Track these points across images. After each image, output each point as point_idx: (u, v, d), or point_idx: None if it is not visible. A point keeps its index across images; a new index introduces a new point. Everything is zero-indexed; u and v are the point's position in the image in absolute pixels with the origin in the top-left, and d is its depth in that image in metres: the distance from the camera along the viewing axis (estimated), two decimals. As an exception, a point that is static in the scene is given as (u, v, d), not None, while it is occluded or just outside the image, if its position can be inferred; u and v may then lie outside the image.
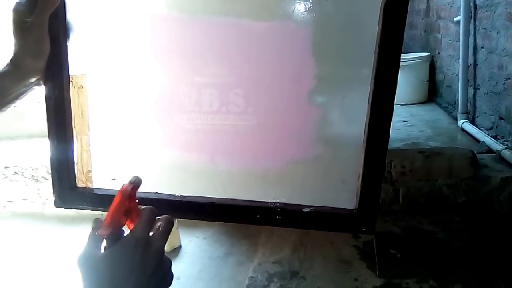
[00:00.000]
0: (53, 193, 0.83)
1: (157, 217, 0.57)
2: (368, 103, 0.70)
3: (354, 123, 0.74)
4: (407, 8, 0.67)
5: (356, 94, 0.74)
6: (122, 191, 0.56)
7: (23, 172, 2.82)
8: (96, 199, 0.82)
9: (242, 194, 0.78)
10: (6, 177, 2.84)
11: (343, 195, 0.76)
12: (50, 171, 0.83)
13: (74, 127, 0.81)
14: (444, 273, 1.95)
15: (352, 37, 0.73)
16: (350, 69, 0.75)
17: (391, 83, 0.69)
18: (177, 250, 2.36)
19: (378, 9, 0.67)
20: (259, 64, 0.76)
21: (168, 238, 0.56)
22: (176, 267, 2.21)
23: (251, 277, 2.07)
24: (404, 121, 3.49)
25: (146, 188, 0.80)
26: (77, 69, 0.80)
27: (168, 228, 0.56)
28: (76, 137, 0.82)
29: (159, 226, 0.56)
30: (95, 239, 0.55)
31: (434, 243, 2.18)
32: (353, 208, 0.75)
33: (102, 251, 0.54)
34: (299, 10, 0.74)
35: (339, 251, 2.22)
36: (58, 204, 0.83)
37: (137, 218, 0.56)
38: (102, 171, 0.84)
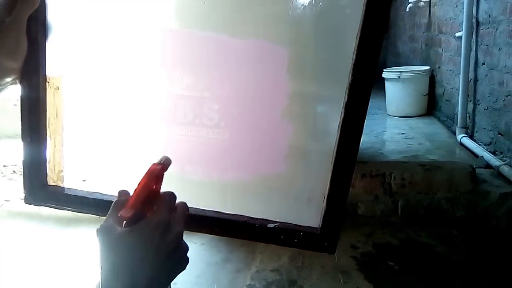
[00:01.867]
0: (24, 189, 0.83)
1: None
2: (339, 126, 0.72)
3: (323, 143, 0.76)
4: (383, 35, 0.68)
5: (328, 115, 0.76)
6: (150, 172, 0.56)
7: (22, 172, 2.81)
8: (66, 199, 0.82)
9: (210, 204, 0.79)
10: (5, 175, 2.82)
11: (307, 213, 0.77)
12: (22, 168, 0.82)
13: (48, 127, 0.81)
14: (441, 286, 1.96)
15: (327, 59, 0.75)
16: (323, 90, 0.76)
17: (362, 108, 0.70)
18: (174, 255, 2.34)
19: (354, 31, 0.68)
20: (235, 80, 0.77)
21: (185, 222, 0.57)
22: (174, 272, 2.20)
23: (249, 284, 2.06)
24: (403, 133, 3.51)
25: (115, 191, 0.82)
26: (54, 70, 0.79)
27: (185, 214, 0.58)
28: (50, 136, 0.82)
29: (177, 211, 0.57)
30: (117, 213, 0.55)
31: (432, 256, 2.19)
32: (317, 226, 0.76)
33: (123, 227, 0.53)
34: (277, 30, 0.75)
35: (337, 261, 2.22)
36: (28, 200, 0.83)
37: (158, 201, 0.56)
38: (74, 171, 0.84)
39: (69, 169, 0.84)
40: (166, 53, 0.79)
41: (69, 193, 0.83)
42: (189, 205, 0.78)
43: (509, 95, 2.57)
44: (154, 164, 0.57)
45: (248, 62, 0.76)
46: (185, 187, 0.80)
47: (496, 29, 2.71)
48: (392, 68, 4.22)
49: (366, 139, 3.20)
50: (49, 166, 0.83)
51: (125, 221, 0.53)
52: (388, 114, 4.06)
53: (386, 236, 2.37)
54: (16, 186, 2.81)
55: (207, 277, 2.17)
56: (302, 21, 0.74)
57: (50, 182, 0.84)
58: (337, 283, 2.05)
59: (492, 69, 2.79)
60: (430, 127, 3.70)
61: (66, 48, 0.80)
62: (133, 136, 0.82)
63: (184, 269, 0.57)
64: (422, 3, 4.21)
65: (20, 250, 2.41)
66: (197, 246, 2.44)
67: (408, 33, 5.01)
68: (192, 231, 0.80)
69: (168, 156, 0.59)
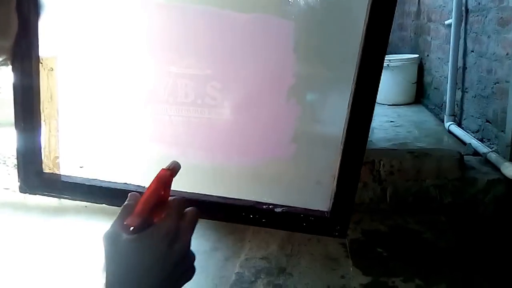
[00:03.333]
0: (18, 178, 0.80)
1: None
2: (348, 105, 0.69)
3: (332, 124, 0.73)
4: (394, 11, 0.65)
5: (336, 95, 0.72)
6: (159, 178, 0.53)
7: (5, 161, 2.75)
8: (63, 186, 0.79)
9: (214, 189, 0.76)
10: (-12, 165, 2.76)
11: (317, 196, 0.74)
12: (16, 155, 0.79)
13: (43, 111, 0.78)
14: (430, 272, 1.97)
15: (336, 35, 0.71)
16: (331, 68, 0.73)
17: (373, 86, 0.67)
18: (163, 243, 2.32)
19: (364, 7, 0.65)
20: (238, 58, 0.74)
21: (194, 230, 0.54)
22: (162, 261, 2.18)
23: (238, 272, 2.05)
24: (391, 121, 3.52)
25: (114, 178, 0.78)
26: (48, 51, 0.76)
27: (195, 221, 0.55)
28: (44, 121, 0.79)
29: (186, 218, 0.54)
30: (124, 219, 0.52)
31: (420, 242, 2.20)
32: (326, 210, 0.73)
33: (130, 233, 0.51)
34: (282, 3, 0.71)
35: (326, 248, 2.22)
36: (22, 189, 0.80)
37: (167, 207, 0.53)
38: (70, 157, 0.81)
39: (66, 155, 0.81)
40: (165, 29, 0.75)
41: (66, 180, 0.80)
42: (191, 190, 0.75)
43: (498, 83, 2.58)
44: (163, 169, 0.55)
45: (252, 37, 0.73)
46: (187, 171, 0.77)
47: (486, 17, 2.71)
48: (381, 56, 4.20)
49: (355, 127, 3.19)
50: (44, 152, 0.80)
51: (131, 228, 0.51)
52: (377, 102, 4.05)
53: (375, 223, 2.38)
54: (0, 175, 2.76)
55: (195, 266, 2.15)
56: None
57: (46, 169, 0.81)
58: (326, 270, 2.05)
59: (481, 56, 2.79)
60: (419, 115, 3.71)
61: (60, 27, 0.76)
62: (132, 118, 0.79)
63: (191, 279, 0.55)
64: (411, -9, 4.20)
65: (5, 241, 2.37)
66: (185, 234, 2.42)
67: (398, 21, 4.99)
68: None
69: (178, 161, 0.57)
